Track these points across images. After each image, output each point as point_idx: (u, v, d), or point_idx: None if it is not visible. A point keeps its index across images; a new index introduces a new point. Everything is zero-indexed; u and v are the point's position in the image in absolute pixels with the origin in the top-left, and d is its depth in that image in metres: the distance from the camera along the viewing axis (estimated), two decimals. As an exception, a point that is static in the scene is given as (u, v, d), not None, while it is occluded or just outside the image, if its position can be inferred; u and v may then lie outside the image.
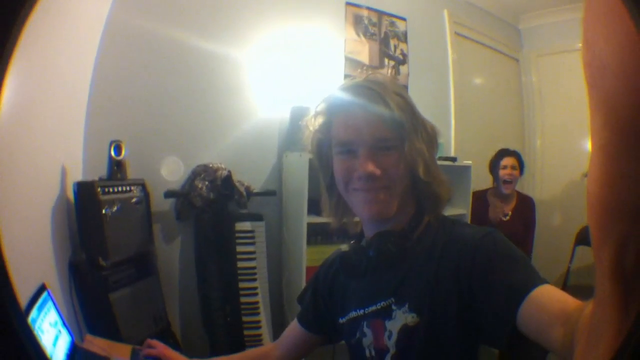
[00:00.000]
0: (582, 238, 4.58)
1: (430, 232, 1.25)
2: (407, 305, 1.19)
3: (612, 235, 0.47)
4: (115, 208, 2.44)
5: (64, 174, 2.38)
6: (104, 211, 2.36)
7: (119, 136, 2.65)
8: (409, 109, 1.23)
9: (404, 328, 1.18)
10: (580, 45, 0.47)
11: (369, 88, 1.22)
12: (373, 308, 1.27)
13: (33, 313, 1.28)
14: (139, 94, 3.15)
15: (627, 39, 0.41)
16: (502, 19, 5.76)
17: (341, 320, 1.39)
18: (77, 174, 2.62)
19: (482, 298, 1.06)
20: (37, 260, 1.86)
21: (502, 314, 1.00)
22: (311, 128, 1.33)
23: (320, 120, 1.30)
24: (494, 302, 1.03)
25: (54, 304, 1.55)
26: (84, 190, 2.37)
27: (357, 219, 1.37)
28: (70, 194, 2.41)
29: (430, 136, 1.27)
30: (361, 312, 1.30)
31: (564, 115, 5.46)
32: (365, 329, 1.28)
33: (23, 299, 1.31)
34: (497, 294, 1.02)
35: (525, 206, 4.20)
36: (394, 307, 1.21)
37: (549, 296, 0.95)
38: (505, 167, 4.08)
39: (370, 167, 1.17)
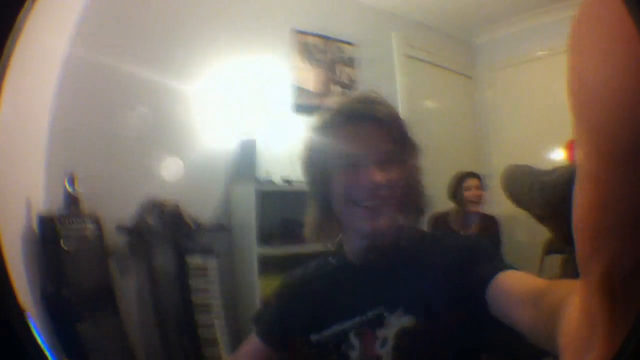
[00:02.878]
0: (550, 248, 4.66)
1: (413, 240, 1.35)
2: (400, 310, 1.24)
3: (600, 256, 0.46)
4: (73, 242, 2.60)
5: (29, 206, 2.52)
6: (62, 244, 2.53)
7: (73, 167, 2.81)
8: (406, 123, 1.35)
9: (401, 332, 1.23)
10: (566, 72, 0.47)
11: (371, 101, 1.33)
12: (361, 318, 1.29)
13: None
14: (91, 128, 3.24)
15: (617, 68, 0.41)
16: (455, 37, 5.85)
17: (319, 336, 1.37)
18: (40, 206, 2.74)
19: (458, 290, 1.16)
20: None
21: (472, 300, 1.10)
22: (306, 142, 1.40)
23: (318, 133, 1.36)
24: (465, 291, 1.13)
25: (34, 325, 1.60)
26: (44, 223, 2.55)
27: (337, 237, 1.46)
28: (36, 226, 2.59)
29: (419, 151, 1.39)
30: (347, 323, 1.32)
31: (523, 128, 5.56)
32: (353, 341, 1.30)
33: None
34: (467, 283, 1.14)
35: (490, 226, 4.30)
36: (385, 314, 1.25)
37: (515, 278, 1.06)
38: (469, 188, 4.19)
39: (378, 178, 1.25)
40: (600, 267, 0.46)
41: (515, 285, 1.04)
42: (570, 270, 2.65)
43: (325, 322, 1.36)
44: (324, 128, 1.34)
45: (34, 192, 2.70)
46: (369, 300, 1.30)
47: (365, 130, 1.29)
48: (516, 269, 1.12)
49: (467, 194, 4.20)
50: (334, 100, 1.40)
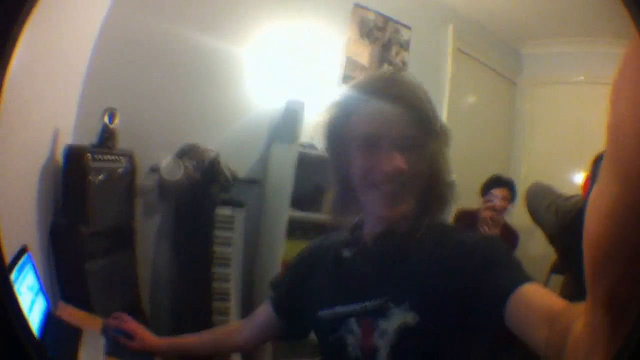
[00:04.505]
0: (556, 267, 4.62)
1: (431, 234, 1.24)
2: (407, 304, 1.16)
3: (608, 276, 0.51)
4: (101, 176, 2.40)
5: (56, 136, 2.33)
6: (90, 178, 2.32)
7: (111, 104, 2.61)
8: (433, 108, 1.23)
9: (402, 327, 1.15)
10: (607, 119, 0.48)
11: (398, 82, 1.22)
12: (366, 305, 1.23)
13: (14, 274, 1.26)
14: (138, 68, 3.15)
15: None
16: (506, 42, 5.77)
17: (321, 313, 1.33)
18: (68, 138, 2.56)
19: (473, 296, 1.07)
20: (20, 221, 1.82)
21: (488, 310, 1.03)
22: (327, 117, 1.28)
23: (339, 110, 1.26)
24: (482, 298, 1.05)
25: (34, 268, 1.52)
26: (74, 154, 2.32)
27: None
28: (60, 157, 2.36)
29: (446, 137, 1.28)
30: (350, 307, 1.26)
31: (552, 145, 5.54)
32: (353, 326, 1.25)
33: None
34: (485, 291, 1.05)
35: (508, 239, 4.18)
36: (391, 305, 1.18)
37: (535, 295, 0.98)
38: (494, 197, 4.03)
39: (397, 163, 1.15)
40: (606, 285, 0.52)
41: (536, 301, 0.96)
42: (566, 292, 2.81)
43: (330, 301, 1.32)
44: (348, 102, 1.25)
45: (64, 122, 2.54)
46: (377, 287, 1.23)
47: (389, 110, 1.18)
48: (535, 280, 1.04)
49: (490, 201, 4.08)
50: (363, 76, 1.30)
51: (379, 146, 1.18)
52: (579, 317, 0.69)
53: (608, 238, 0.49)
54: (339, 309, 1.28)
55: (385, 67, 4.37)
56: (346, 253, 1.33)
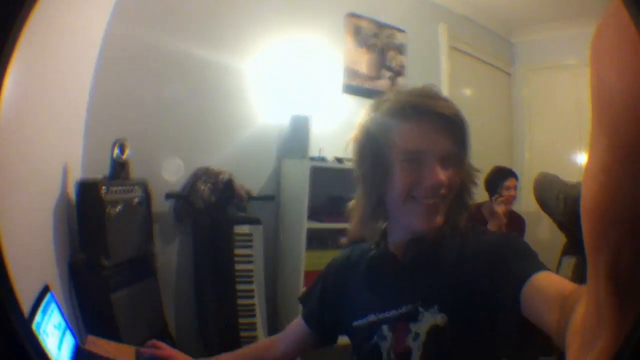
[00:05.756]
0: (567, 249, 4.59)
1: (454, 237, 1.24)
2: (436, 307, 1.17)
3: (608, 243, 0.47)
4: (118, 208, 2.37)
5: (65, 172, 2.29)
6: (107, 211, 2.28)
7: (120, 135, 2.58)
8: (465, 120, 1.23)
9: (433, 328, 1.17)
10: (589, 73, 0.47)
11: (436, 96, 1.22)
12: (397, 312, 1.24)
13: (38, 316, 1.23)
14: (141, 95, 3.12)
15: (635, 75, 0.42)
16: (497, 33, 5.77)
17: (355, 323, 1.33)
18: (76, 173, 2.53)
19: (493, 289, 1.08)
20: (39, 261, 1.79)
21: (506, 299, 1.03)
22: (362, 133, 1.26)
23: (377, 125, 1.24)
24: (500, 289, 1.06)
25: (58, 306, 1.49)
26: (87, 189, 2.29)
27: (383, 225, 1.35)
28: (71, 193, 2.33)
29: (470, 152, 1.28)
30: (382, 315, 1.27)
31: (552, 129, 5.51)
32: (386, 332, 1.25)
33: (27, 301, 1.27)
34: (503, 281, 1.06)
35: (515, 225, 4.18)
36: (420, 309, 1.19)
37: (547, 281, 0.98)
38: (509, 188, 4.05)
39: (441, 177, 1.15)
40: (607, 255, 0.47)
41: (548, 287, 0.96)
42: (579, 273, 2.85)
43: (363, 310, 1.32)
44: (387, 118, 1.22)
45: (71, 156, 2.50)
46: (408, 294, 1.23)
47: (432, 126, 1.18)
48: (549, 270, 1.04)
49: (506, 193, 4.07)
50: (396, 91, 1.24)
51: (422, 161, 1.17)
52: (582, 297, 0.64)
53: (604, 198, 0.46)
54: (372, 318, 1.29)
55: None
56: (375, 263, 1.31)
